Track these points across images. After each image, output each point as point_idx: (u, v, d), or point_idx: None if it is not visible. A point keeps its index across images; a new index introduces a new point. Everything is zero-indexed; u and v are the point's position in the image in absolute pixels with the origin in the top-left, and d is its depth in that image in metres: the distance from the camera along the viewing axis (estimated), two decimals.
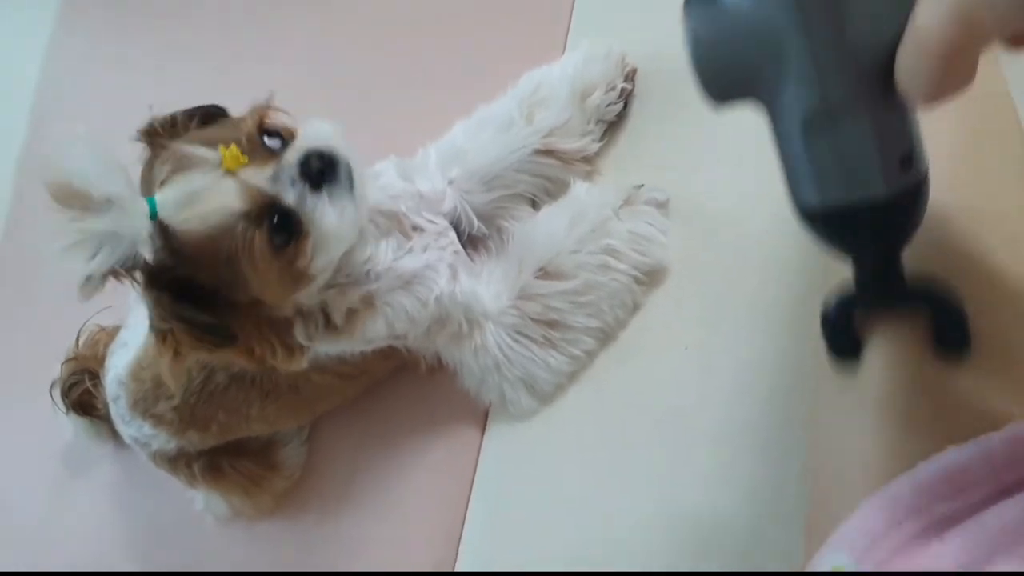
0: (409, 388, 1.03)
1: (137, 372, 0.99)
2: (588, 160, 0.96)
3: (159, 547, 1.20)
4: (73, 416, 1.15)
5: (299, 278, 0.75)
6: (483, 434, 1.00)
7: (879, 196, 0.45)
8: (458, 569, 0.98)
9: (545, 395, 0.94)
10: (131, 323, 1.06)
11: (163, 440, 1.02)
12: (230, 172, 0.69)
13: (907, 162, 0.45)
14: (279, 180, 0.71)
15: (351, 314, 0.84)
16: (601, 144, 0.96)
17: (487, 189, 0.95)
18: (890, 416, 0.50)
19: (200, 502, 1.12)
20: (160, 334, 0.74)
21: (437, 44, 1.15)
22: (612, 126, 0.96)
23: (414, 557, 1.01)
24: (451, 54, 1.13)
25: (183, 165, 0.69)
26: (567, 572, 0.91)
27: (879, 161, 0.44)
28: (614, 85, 0.94)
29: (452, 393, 0.99)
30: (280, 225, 0.72)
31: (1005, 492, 0.43)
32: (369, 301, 0.85)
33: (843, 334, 0.53)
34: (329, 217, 0.72)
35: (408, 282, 0.86)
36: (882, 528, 0.44)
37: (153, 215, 0.68)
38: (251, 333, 0.76)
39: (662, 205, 0.90)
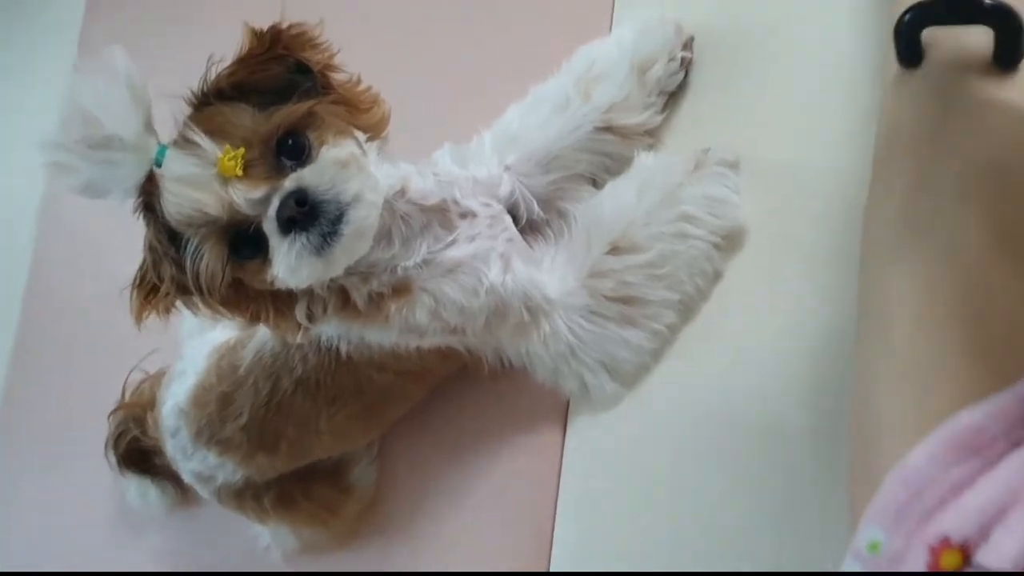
0: (478, 392, 0.99)
1: (199, 396, 0.96)
2: (650, 133, 0.93)
3: None
4: (128, 475, 1.12)
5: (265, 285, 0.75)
6: (565, 431, 0.95)
7: None
8: None
9: (628, 376, 0.89)
10: (187, 353, 1.03)
11: (229, 471, 0.98)
12: (223, 176, 0.69)
13: None
14: (266, 203, 0.71)
15: (378, 299, 0.82)
16: (663, 116, 0.93)
17: (545, 171, 0.92)
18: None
19: (266, 538, 1.08)
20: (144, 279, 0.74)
21: (481, 28, 1.14)
22: (672, 96, 0.93)
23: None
24: (496, 37, 1.12)
25: (188, 144, 0.70)
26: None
27: None
28: (674, 55, 0.91)
29: (525, 391, 0.94)
30: (253, 238, 0.71)
31: (1018, 445, 0.44)
32: (404, 288, 0.82)
33: (912, 44, 0.56)
34: (280, 265, 0.71)
35: (451, 271, 0.84)
36: (905, 498, 0.45)
37: (159, 162, 0.69)
38: (250, 292, 0.76)
39: (733, 165, 0.87)
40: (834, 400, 0.78)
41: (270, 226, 0.71)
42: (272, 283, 0.74)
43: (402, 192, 0.82)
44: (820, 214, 0.84)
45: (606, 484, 0.92)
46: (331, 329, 0.86)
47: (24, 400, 1.40)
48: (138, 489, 1.15)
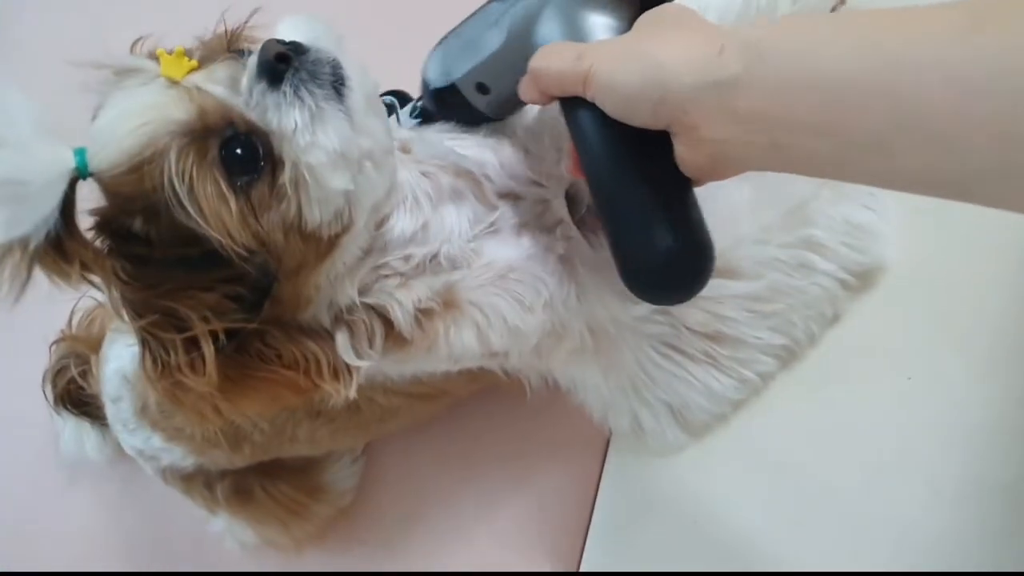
0: (500, 399, 0.80)
1: None
2: None
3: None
4: (64, 414, 0.92)
5: (292, 237, 0.51)
6: (602, 468, 0.77)
7: None
8: None
9: (699, 427, 0.71)
10: None
11: (178, 456, 0.80)
12: (173, 81, 0.49)
13: None
14: (238, 87, 0.49)
15: (426, 316, 0.59)
16: None
17: None
18: None
19: (219, 525, 0.90)
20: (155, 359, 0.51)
21: None
22: None
23: None
24: None
25: (113, 85, 0.50)
26: None
27: None
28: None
29: (560, 409, 0.75)
30: (244, 155, 0.49)
31: None
32: (450, 300, 0.60)
33: None
34: (295, 121, 0.48)
35: (502, 276, 0.61)
36: None
37: (82, 168, 0.48)
38: (282, 342, 0.54)
39: None
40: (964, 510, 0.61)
41: (259, 96, 0.49)
42: (297, 198, 0.50)
43: (404, 149, 0.60)
44: (988, 273, 0.64)
45: (645, 541, 0.75)
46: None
47: None
48: (73, 433, 0.96)
